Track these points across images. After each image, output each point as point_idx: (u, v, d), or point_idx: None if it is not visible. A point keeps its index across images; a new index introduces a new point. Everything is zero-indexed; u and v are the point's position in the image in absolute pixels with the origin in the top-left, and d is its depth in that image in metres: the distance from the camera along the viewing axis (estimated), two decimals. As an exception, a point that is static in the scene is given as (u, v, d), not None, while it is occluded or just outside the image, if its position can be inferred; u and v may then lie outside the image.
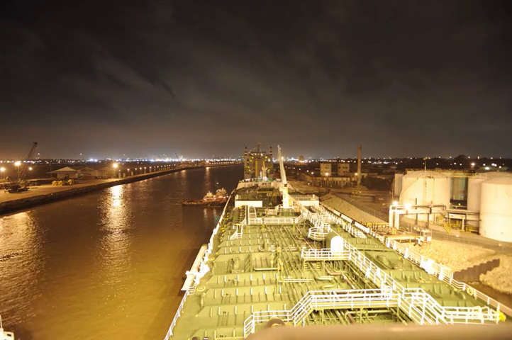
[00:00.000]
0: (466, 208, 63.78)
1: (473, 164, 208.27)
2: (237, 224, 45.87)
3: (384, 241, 40.09)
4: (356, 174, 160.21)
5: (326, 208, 67.54)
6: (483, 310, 20.56)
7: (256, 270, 29.38)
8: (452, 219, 63.65)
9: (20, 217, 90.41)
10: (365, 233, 44.34)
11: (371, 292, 21.95)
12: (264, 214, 54.38)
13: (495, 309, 21.84)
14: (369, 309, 21.04)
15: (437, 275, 28.80)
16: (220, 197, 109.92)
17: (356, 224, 52.06)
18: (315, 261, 30.33)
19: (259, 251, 35.02)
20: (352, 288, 24.73)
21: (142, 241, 62.86)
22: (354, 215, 75.77)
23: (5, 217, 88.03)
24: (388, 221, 62.15)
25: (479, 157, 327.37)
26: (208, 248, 38.15)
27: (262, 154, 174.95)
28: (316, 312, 21.26)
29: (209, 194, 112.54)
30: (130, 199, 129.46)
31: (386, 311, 21.22)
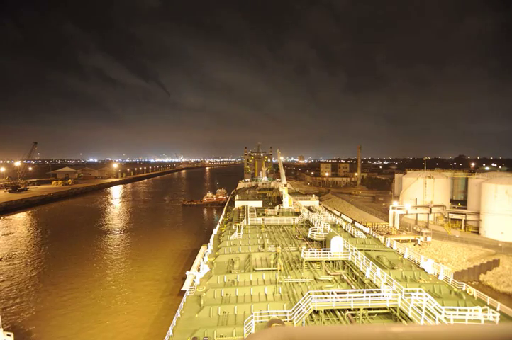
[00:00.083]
0: (466, 208, 63.78)
1: (473, 164, 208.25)
2: (237, 224, 45.87)
3: (384, 241, 40.09)
4: (356, 174, 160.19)
5: (326, 208, 67.54)
6: (483, 310, 20.56)
7: (256, 270, 29.38)
8: (452, 219, 63.65)
9: (20, 217, 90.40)
10: (365, 233, 44.35)
11: (371, 292, 21.95)
12: (264, 214, 54.38)
13: (495, 309, 21.86)
14: (369, 309, 21.04)
15: (437, 275, 28.79)
16: (220, 197, 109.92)
17: (356, 224, 52.07)
18: (315, 261, 30.33)
19: (259, 251, 35.02)
20: (352, 288, 24.73)
21: (142, 241, 62.85)
22: (354, 215, 75.77)
23: (5, 217, 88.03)
24: (388, 221, 62.15)
25: (479, 157, 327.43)
26: (208, 248, 38.15)
27: (262, 154, 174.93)
28: (316, 312, 21.26)
29: (209, 194, 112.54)
30: (130, 199, 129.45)
31: (386, 311, 21.22)
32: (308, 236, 38.16)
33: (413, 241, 53.07)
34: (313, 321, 21.19)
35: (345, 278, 27.41)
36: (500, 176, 63.02)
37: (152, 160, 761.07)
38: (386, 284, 23.44)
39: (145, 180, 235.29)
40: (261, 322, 20.61)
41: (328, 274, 28.59)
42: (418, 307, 19.57)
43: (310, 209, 61.20)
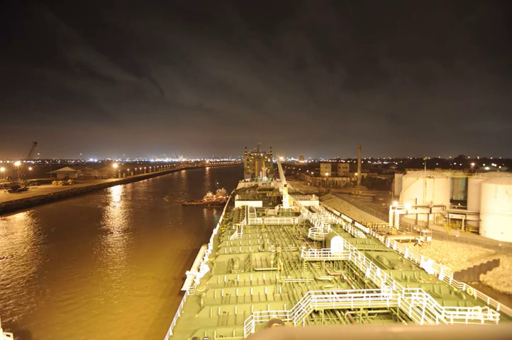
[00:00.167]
0: (466, 208, 63.78)
1: (473, 164, 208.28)
2: (237, 224, 45.87)
3: (384, 241, 40.09)
4: (356, 174, 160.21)
5: (326, 208, 67.53)
6: (483, 310, 20.56)
7: (256, 270, 29.38)
8: (452, 219, 63.65)
9: (20, 217, 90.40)
10: (365, 233, 44.34)
11: (371, 292, 21.95)
12: (264, 214, 54.38)
13: (495, 309, 21.86)
14: (369, 309, 21.04)
15: (437, 275, 28.80)
16: (220, 197, 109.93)
17: (356, 224, 52.06)
18: (315, 261, 30.33)
19: (259, 251, 35.02)
20: (352, 288, 24.73)
21: (142, 241, 62.85)
22: (354, 215, 75.78)
23: (5, 217, 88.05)
24: (388, 221, 62.15)
25: (478, 157, 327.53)
26: (208, 248, 38.15)
27: (261, 154, 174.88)
28: (316, 312, 21.26)
29: (209, 194, 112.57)
30: (130, 199, 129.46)
31: (386, 311, 21.22)
32: (308, 236, 38.16)
33: (413, 241, 53.07)
34: (313, 321, 21.19)
35: (345, 278, 27.41)
36: (500, 176, 63.02)
37: (152, 160, 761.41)
38: (386, 284, 23.45)
39: (145, 180, 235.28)
40: (261, 322, 20.61)
41: (328, 274, 28.59)
42: (418, 307, 19.57)
43: (310, 209, 61.20)
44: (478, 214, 58.43)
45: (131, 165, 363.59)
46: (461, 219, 62.11)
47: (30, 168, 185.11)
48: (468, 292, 25.35)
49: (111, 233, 70.38)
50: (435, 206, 63.82)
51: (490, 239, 53.25)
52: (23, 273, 46.44)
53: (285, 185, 65.53)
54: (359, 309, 20.87)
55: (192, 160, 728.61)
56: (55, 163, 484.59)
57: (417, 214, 64.74)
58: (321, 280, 27.32)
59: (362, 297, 20.99)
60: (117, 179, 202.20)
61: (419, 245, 52.37)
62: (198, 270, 30.83)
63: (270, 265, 30.14)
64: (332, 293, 21.82)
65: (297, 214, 54.52)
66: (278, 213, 56.07)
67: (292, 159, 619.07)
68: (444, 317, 19.39)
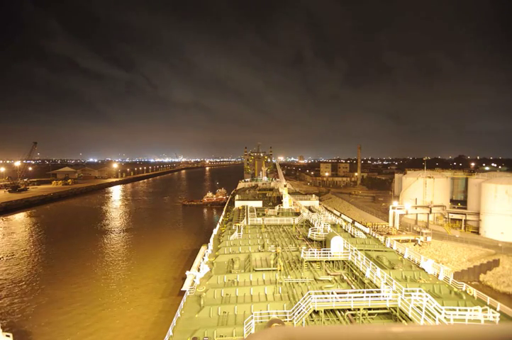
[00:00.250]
0: (466, 208, 63.79)
1: (473, 164, 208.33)
2: (237, 224, 45.87)
3: (384, 241, 40.09)
4: (356, 174, 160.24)
5: (326, 208, 67.54)
6: (483, 310, 20.57)
7: (256, 270, 29.38)
8: (452, 219, 63.66)
9: (20, 217, 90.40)
10: (365, 233, 44.34)
11: (371, 292, 21.95)
12: (264, 214, 54.38)
13: (495, 309, 21.86)
14: (369, 309, 21.04)
15: (437, 275, 28.80)
16: (220, 197, 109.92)
17: (356, 224, 52.07)
18: (315, 261, 30.33)
19: (259, 251, 35.02)
20: (352, 288, 24.73)
21: (142, 241, 62.85)
22: (354, 215, 75.78)
23: (5, 217, 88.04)
24: (388, 221, 62.15)
25: (478, 157, 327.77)
26: (208, 248, 38.15)
27: (261, 154, 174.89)
28: (316, 312, 21.26)
29: (209, 194, 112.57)
30: (130, 199, 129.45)
31: (386, 311, 21.22)
32: (308, 236, 38.16)
33: (413, 241, 53.07)
34: (313, 321, 21.19)
35: (345, 278, 27.41)
36: (500, 176, 63.02)
37: (151, 160, 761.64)
38: (386, 284, 23.45)
39: (145, 180, 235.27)
40: (261, 322, 20.61)
41: (328, 274, 28.59)
42: (418, 307, 19.58)
43: (310, 209, 61.21)
44: (478, 214, 58.43)
45: (131, 165, 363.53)
46: (461, 219, 62.12)
47: (30, 168, 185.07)
48: (468, 292, 25.35)
49: (111, 233, 70.38)
50: (435, 206, 63.83)
51: (490, 239, 53.25)
52: (23, 273, 46.43)
53: (285, 186, 65.60)
54: (359, 309, 20.87)
55: (192, 160, 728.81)
56: (55, 163, 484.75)
57: (417, 214, 64.75)
58: (321, 280, 27.32)
59: (362, 297, 20.99)
60: (117, 179, 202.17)
61: (419, 245, 52.37)
62: (198, 270, 30.83)
63: (270, 265, 30.14)
64: (332, 293, 21.82)
65: (297, 214, 54.52)
66: (278, 213, 56.07)
67: (292, 159, 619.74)
68: (444, 317, 19.39)
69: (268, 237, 41.07)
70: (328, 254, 29.80)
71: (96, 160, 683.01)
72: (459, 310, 20.33)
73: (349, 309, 21.14)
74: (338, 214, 60.79)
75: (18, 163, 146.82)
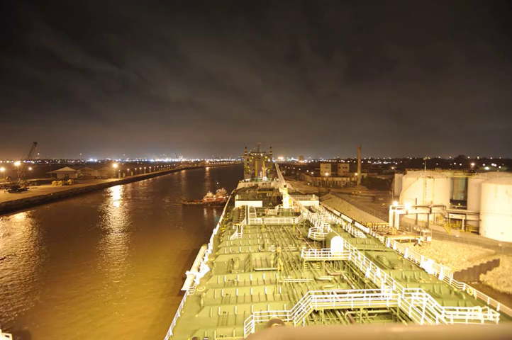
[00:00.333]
0: (466, 208, 63.78)
1: (473, 164, 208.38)
2: (237, 224, 45.87)
3: (384, 241, 40.09)
4: (356, 174, 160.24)
5: (326, 208, 67.54)
6: (483, 310, 20.57)
7: (256, 270, 29.38)
8: (452, 219, 63.65)
9: (20, 217, 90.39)
10: (365, 233, 44.34)
11: (371, 292, 21.95)
12: (264, 214, 54.38)
13: (495, 309, 21.86)
14: (369, 309, 21.04)
15: (437, 275, 28.80)
16: (220, 197, 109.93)
17: (356, 224, 52.07)
18: (315, 261, 30.33)
19: (259, 251, 35.02)
20: (352, 288, 24.73)
21: (142, 241, 62.85)
22: (354, 215, 75.77)
23: (5, 217, 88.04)
24: (388, 221, 62.14)
25: (478, 157, 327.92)
26: (208, 248, 38.15)
27: (261, 154, 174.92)
28: (316, 312, 21.26)
29: (209, 194, 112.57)
30: (130, 199, 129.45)
31: (386, 311, 21.22)
32: (308, 236, 38.16)
33: (413, 241, 53.06)
34: (313, 321, 21.19)
35: (345, 278, 27.40)
36: (500, 176, 63.01)
37: (151, 160, 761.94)
38: (386, 284, 23.45)
39: (145, 180, 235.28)
40: (261, 322, 20.61)
41: (328, 274, 28.59)
42: (418, 307, 19.57)
43: (310, 209, 61.21)
44: (478, 214, 58.43)
45: (131, 165, 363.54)
46: (461, 219, 62.11)
47: (30, 168, 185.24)
48: (468, 292, 25.35)
49: (111, 233, 70.38)
50: (435, 206, 63.83)
51: (490, 239, 53.25)
52: (23, 273, 46.42)
53: (285, 186, 65.61)
54: (359, 309, 20.87)
55: (192, 160, 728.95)
56: (55, 163, 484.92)
57: (417, 214, 64.74)
58: (321, 280, 27.32)
59: (362, 297, 20.99)
60: (117, 179, 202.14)
61: (419, 245, 52.37)
62: (198, 270, 30.83)
63: (270, 265, 30.14)
64: (332, 293, 21.82)
65: (297, 214, 54.52)
66: (278, 213, 56.07)
67: (292, 159, 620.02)
68: (444, 317, 19.39)
69: (268, 237, 41.06)
70: (328, 254, 29.80)
71: (96, 160, 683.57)
72: (459, 310, 20.33)
73: (349, 309, 21.13)
74: (338, 214, 60.79)
75: (18, 163, 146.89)
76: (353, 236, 40.90)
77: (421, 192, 67.43)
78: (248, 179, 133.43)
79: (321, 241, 35.79)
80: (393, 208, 61.43)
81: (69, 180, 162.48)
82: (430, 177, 67.79)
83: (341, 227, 46.35)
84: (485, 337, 1.39)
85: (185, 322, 21.83)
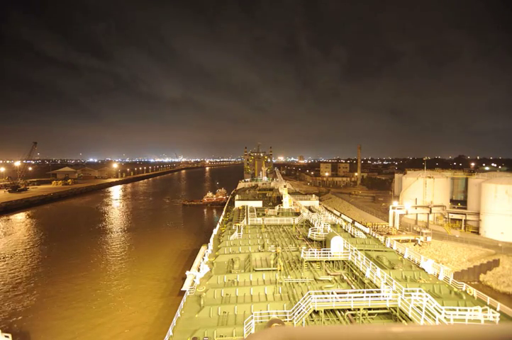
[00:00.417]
0: (466, 208, 63.78)
1: (473, 164, 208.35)
2: (237, 224, 45.88)
3: (384, 241, 40.09)
4: (356, 174, 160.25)
5: (326, 208, 67.54)
6: (483, 310, 20.56)
7: (256, 270, 29.38)
8: (452, 219, 63.65)
9: (20, 217, 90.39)
10: (365, 233, 44.35)
11: (371, 292, 21.95)
12: (264, 214, 54.38)
13: (495, 309, 21.86)
14: (369, 309, 21.04)
15: (437, 275, 28.80)
16: (220, 197, 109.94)
17: (356, 224, 52.07)
18: (315, 261, 30.33)
19: (259, 251, 35.02)
20: (352, 288, 24.73)
21: (142, 241, 62.85)
22: (354, 215, 75.77)
23: (5, 217, 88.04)
24: (388, 221, 62.14)
25: (478, 157, 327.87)
26: (208, 248, 38.15)
27: (261, 154, 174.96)
28: (316, 312, 21.26)
29: (209, 194, 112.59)
30: (130, 199, 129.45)
31: (386, 311, 21.22)
32: (308, 236, 38.16)
33: (413, 241, 53.07)
34: (313, 321, 21.19)
35: (345, 278, 27.41)
36: (500, 176, 63.01)
37: (151, 160, 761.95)
38: (386, 284, 23.45)
39: (145, 180, 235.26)
40: (261, 322, 20.61)
41: (328, 274, 28.59)
42: (418, 307, 19.57)
43: (310, 209, 61.21)
44: (478, 214, 58.43)
45: (131, 165, 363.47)
46: (461, 219, 62.11)
47: (30, 168, 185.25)
48: (468, 292, 25.35)
49: (111, 233, 70.38)
50: (435, 206, 63.82)
51: (490, 239, 53.25)
52: (23, 273, 46.42)
53: (285, 186, 65.61)
54: (359, 309, 20.87)
55: (192, 160, 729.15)
56: (55, 163, 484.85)
57: (417, 214, 64.74)
58: (321, 280, 27.32)
59: (362, 297, 20.99)
60: (117, 179, 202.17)
61: (419, 245, 52.37)
62: (198, 270, 30.83)
63: (270, 265, 30.14)
64: (332, 293, 21.82)
65: (297, 214, 54.52)
66: (278, 213, 56.07)
67: (292, 158, 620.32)
68: (444, 317, 19.39)
69: (268, 237, 41.06)
70: (328, 254, 29.80)
71: (96, 160, 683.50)
72: (459, 310, 20.33)
73: (349, 309, 21.13)
74: (338, 214, 60.79)
75: (18, 163, 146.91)
76: (353, 236, 40.90)
77: (421, 192, 67.43)
78: (248, 179, 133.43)
79: (321, 241, 35.79)
80: (393, 208, 61.42)
81: (69, 180, 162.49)
82: (430, 177, 67.79)
83: (341, 227, 46.35)
84: (485, 337, 1.39)
85: (185, 322, 21.83)
